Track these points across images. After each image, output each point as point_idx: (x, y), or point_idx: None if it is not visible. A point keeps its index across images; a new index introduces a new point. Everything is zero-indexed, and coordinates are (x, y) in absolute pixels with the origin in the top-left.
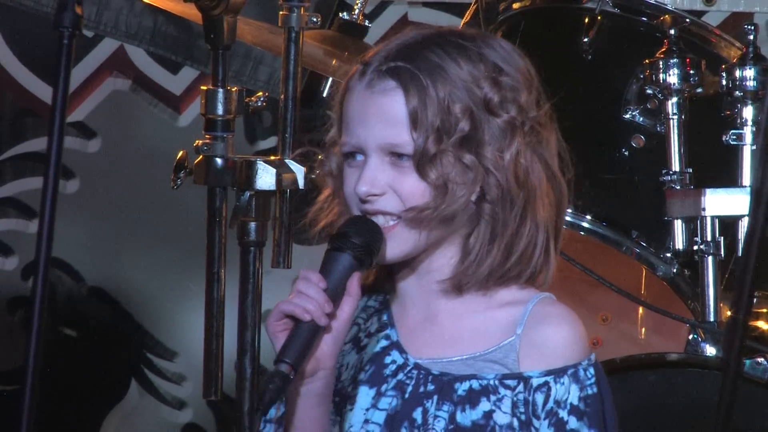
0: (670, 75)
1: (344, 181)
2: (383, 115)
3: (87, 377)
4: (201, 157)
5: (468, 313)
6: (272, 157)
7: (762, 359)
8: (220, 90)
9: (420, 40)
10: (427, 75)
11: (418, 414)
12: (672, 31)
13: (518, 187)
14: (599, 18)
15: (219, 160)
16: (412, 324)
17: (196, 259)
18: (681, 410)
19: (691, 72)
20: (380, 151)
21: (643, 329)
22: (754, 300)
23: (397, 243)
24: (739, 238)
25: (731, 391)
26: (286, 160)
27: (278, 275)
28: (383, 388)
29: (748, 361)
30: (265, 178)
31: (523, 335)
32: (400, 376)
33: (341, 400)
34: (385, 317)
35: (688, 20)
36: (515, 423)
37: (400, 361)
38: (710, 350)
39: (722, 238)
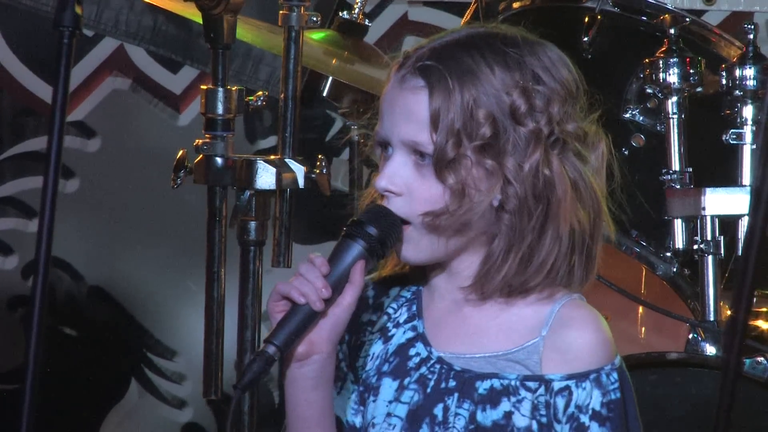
0: (670, 74)
1: None
2: (408, 112)
3: (87, 376)
4: (201, 156)
5: (494, 311)
6: (272, 157)
7: (762, 358)
8: (220, 89)
9: (462, 40)
10: (456, 78)
11: (439, 410)
12: (672, 31)
13: (536, 199)
14: (599, 17)
15: (219, 160)
16: (439, 316)
17: (196, 258)
18: (681, 409)
19: (691, 71)
20: (404, 148)
21: (643, 328)
22: (754, 299)
23: (414, 247)
24: (739, 237)
25: (731, 390)
26: (287, 160)
27: (278, 274)
28: (406, 381)
29: (748, 361)
30: (265, 177)
31: (547, 338)
32: (423, 369)
33: (365, 390)
34: (414, 308)
35: (688, 19)
36: (534, 426)
37: (423, 354)
38: (710, 349)
39: (722, 237)
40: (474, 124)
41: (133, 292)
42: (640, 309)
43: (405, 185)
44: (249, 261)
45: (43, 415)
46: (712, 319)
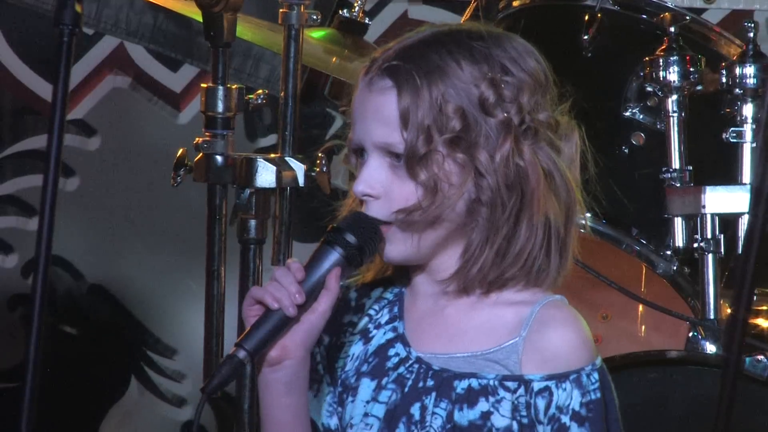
0: (670, 72)
1: None
2: (378, 114)
3: (87, 375)
4: (201, 154)
5: (474, 310)
6: (272, 155)
7: (762, 357)
8: (221, 87)
9: (427, 39)
10: (423, 75)
11: (416, 410)
12: (672, 29)
13: (509, 189)
14: (599, 15)
15: (219, 158)
16: (420, 317)
17: (196, 256)
18: (681, 408)
19: (691, 69)
20: (378, 150)
21: (643, 327)
22: (754, 298)
23: (396, 246)
24: (739, 235)
25: (731, 388)
26: (287, 158)
27: None
28: (384, 381)
29: (748, 359)
30: (265, 175)
31: (527, 338)
32: (401, 369)
33: (344, 391)
34: (395, 309)
35: (688, 18)
36: (515, 426)
37: (403, 354)
38: (710, 348)
39: (722, 235)
40: (444, 118)
41: (133, 291)
42: (640, 307)
43: (382, 187)
44: (249, 259)
45: (44, 413)
46: (712, 317)
